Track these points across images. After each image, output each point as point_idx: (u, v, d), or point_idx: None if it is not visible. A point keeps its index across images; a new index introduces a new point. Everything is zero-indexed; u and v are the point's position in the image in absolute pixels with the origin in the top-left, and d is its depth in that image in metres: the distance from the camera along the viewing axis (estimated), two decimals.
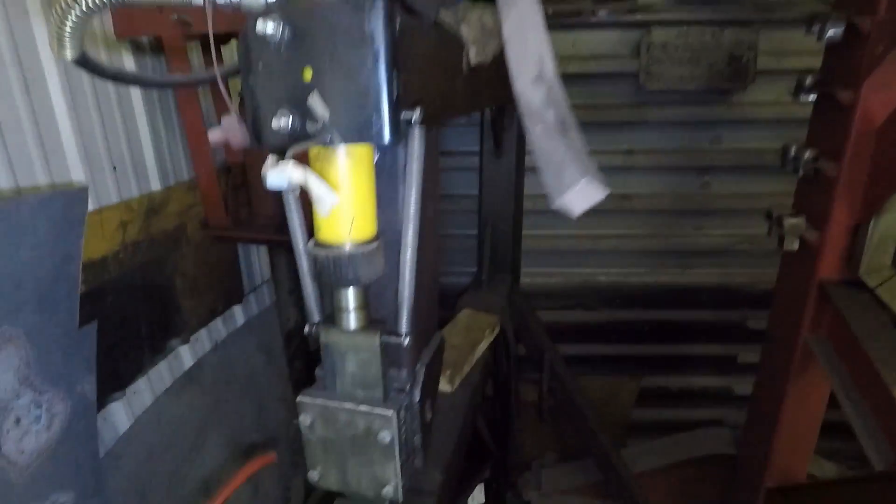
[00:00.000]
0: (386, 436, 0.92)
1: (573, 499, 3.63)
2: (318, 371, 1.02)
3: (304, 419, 0.96)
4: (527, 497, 3.57)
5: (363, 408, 0.93)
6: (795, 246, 2.40)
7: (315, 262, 0.85)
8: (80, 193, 1.58)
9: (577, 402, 2.95)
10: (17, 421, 1.52)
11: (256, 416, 3.06)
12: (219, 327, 2.73)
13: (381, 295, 0.96)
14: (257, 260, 3.09)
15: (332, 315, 0.94)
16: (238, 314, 2.88)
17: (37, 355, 1.55)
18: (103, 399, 2.03)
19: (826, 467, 3.47)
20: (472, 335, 1.96)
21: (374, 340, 0.91)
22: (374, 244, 0.86)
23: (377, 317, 0.96)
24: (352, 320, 0.91)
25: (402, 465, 0.97)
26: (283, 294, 2.54)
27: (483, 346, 1.94)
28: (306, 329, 0.96)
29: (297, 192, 0.90)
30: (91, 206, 1.92)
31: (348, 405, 0.94)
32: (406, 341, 0.91)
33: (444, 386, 1.70)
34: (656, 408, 3.89)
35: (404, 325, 0.92)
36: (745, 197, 3.36)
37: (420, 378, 1.02)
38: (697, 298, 3.61)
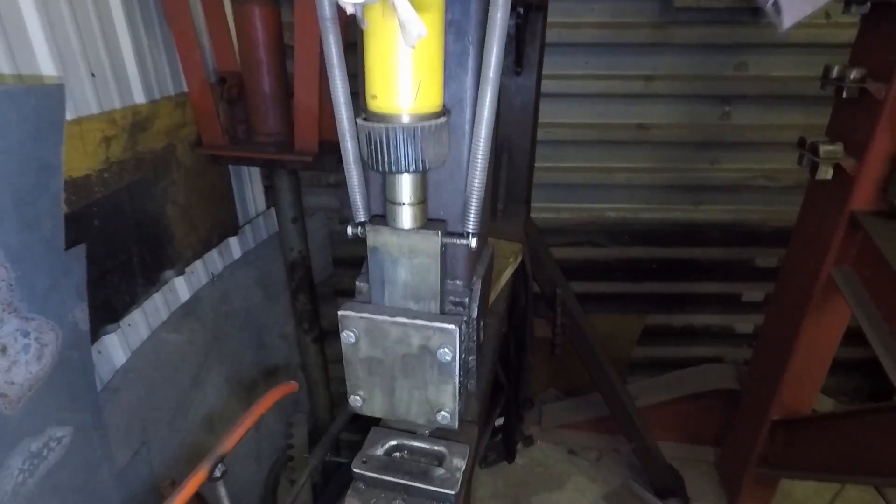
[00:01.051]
0: (446, 354, 0.79)
1: (572, 433, 3.67)
2: (359, 282, 0.88)
3: (347, 337, 0.83)
4: (528, 432, 3.60)
5: (420, 322, 0.79)
6: (829, 174, 2.28)
7: (367, 139, 0.68)
8: (56, 91, 1.36)
9: (588, 337, 2.89)
10: (3, 350, 1.37)
11: (257, 352, 2.95)
12: (214, 259, 2.56)
13: (438, 190, 0.81)
14: (250, 190, 2.88)
15: (381, 214, 0.78)
16: (234, 246, 2.70)
17: (19, 277, 1.37)
18: (97, 330, 1.88)
19: (824, 402, 3.53)
20: (498, 262, 1.83)
21: (435, 242, 0.76)
22: (443, 118, 0.69)
23: (433, 216, 0.81)
24: (408, 217, 0.76)
25: (458, 389, 0.84)
26: (285, 223, 2.36)
27: (507, 275, 1.81)
28: (349, 231, 0.81)
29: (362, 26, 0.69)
30: (69, 116, 1.70)
31: (402, 319, 0.80)
32: (474, 243, 0.77)
33: None
34: (658, 345, 3.88)
35: (472, 222, 0.77)
36: (765, 129, 3.21)
37: (477, 291, 0.88)
38: (708, 236, 3.52)
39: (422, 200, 0.76)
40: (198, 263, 2.47)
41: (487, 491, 3.29)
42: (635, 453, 3.24)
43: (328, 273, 3.44)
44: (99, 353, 1.85)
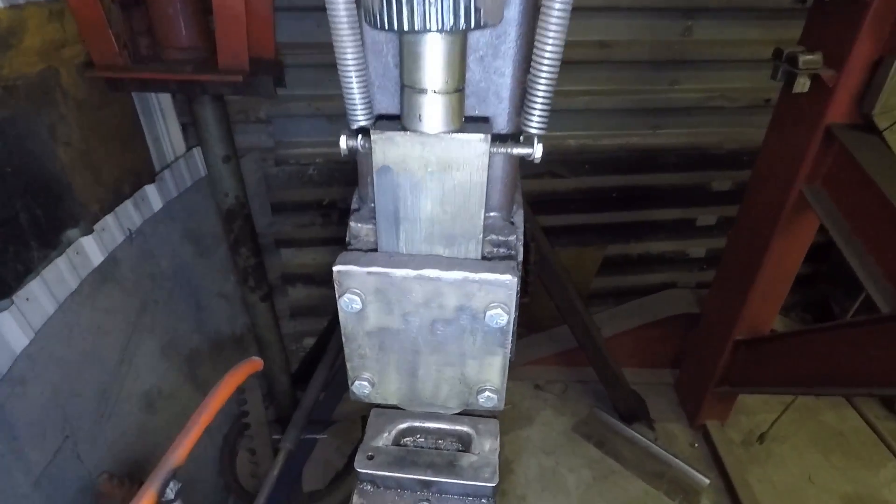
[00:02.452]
0: (500, 316, 0.55)
1: (537, 369, 3.64)
2: (354, 222, 0.61)
3: (350, 302, 0.56)
4: None
5: (460, 274, 0.54)
6: (807, 87, 2.17)
7: None
8: None
9: (558, 273, 2.77)
10: None
11: (195, 317, 2.59)
12: (129, 213, 2.14)
13: (476, 71, 0.53)
14: (164, 126, 2.41)
15: (390, 114, 0.51)
16: (153, 196, 2.27)
17: None
18: None
19: (779, 321, 3.68)
20: None
21: (482, 150, 0.50)
22: None
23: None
24: (440, 112, 0.48)
25: (506, 361, 0.62)
26: (214, 164, 1.97)
27: None
28: (343, 145, 0.52)
29: None
30: None
31: (432, 272, 0.54)
32: (539, 151, 0.51)
33: None
34: (615, 275, 3.87)
35: (537, 117, 0.51)
36: (727, 45, 3.07)
37: (521, 226, 0.64)
38: (665, 161, 3.44)
39: (460, 87, 0.49)
40: (109, 219, 2.04)
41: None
42: (602, 382, 3.25)
43: (267, 221, 3.07)
44: None
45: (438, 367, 0.62)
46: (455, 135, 0.50)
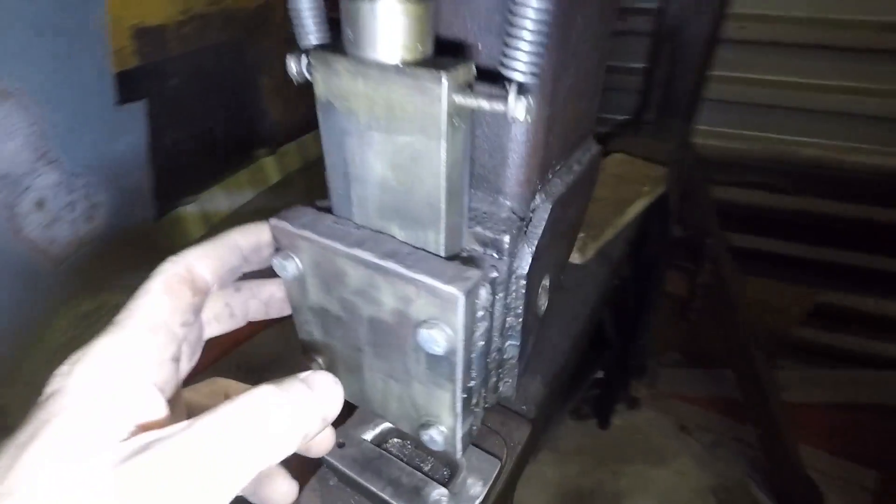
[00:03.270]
0: (436, 341, 0.39)
1: (688, 407, 3.11)
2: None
3: (279, 265, 0.46)
4: (636, 393, 3.12)
5: (394, 266, 0.39)
6: None
7: None
8: None
9: (735, 304, 2.26)
10: (40, 204, 1.27)
11: None
12: (308, 146, 2.35)
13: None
14: None
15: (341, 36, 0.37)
16: None
17: (55, 126, 1.23)
18: (171, 201, 1.78)
19: None
20: (624, 189, 1.32)
21: (436, 94, 0.34)
22: None
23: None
24: (386, 30, 0.33)
25: (467, 398, 0.45)
26: None
27: (638, 208, 1.30)
28: (290, 65, 0.41)
29: None
30: None
31: (363, 254, 0.40)
32: (521, 111, 0.33)
33: (573, 254, 1.14)
34: (830, 331, 3.04)
35: (520, 58, 0.33)
36: None
37: (541, 223, 0.45)
38: None
39: (425, 18, 0.33)
40: (293, 146, 2.28)
41: (571, 444, 2.96)
42: (763, 452, 2.63)
43: None
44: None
45: (384, 377, 0.48)
46: (402, 69, 0.34)
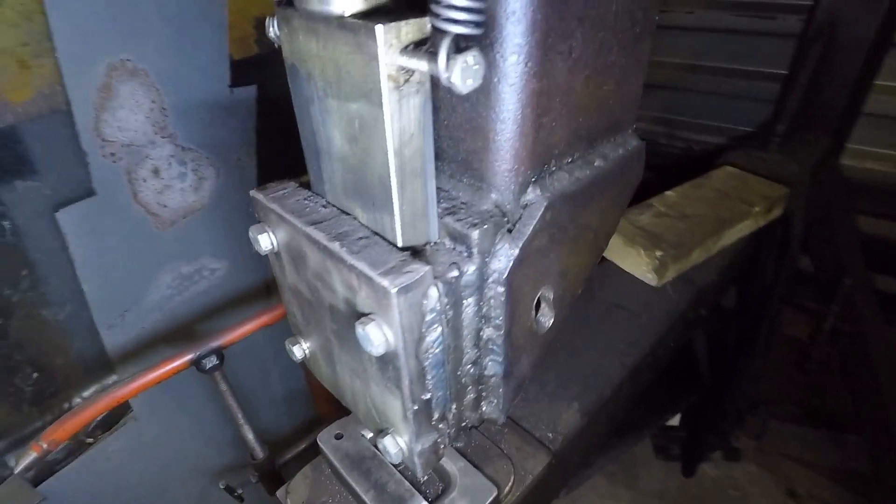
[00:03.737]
0: (372, 338, 0.34)
1: (804, 472, 2.67)
2: None
3: (253, 239, 0.44)
4: (735, 443, 2.75)
5: (338, 249, 0.35)
6: None
7: None
8: None
9: (876, 361, 1.88)
10: (156, 171, 1.42)
11: None
12: None
13: None
14: None
15: None
16: None
17: (174, 103, 1.36)
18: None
19: None
20: (727, 207, 1.13)
21: (370, 47, 0.29)
22: None
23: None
24: None
25: (423, 411, 0.40)
26: None
27: (741, 231, 1.11)
28: (269, 27, 0.39)
29: None
30: None
31: (316, 233, 0.37)
32: (455, 73, 0.27)
33: (646, 274, 1.00)
34: None
35: (446, 7, 0.27)
36: None
37: (531, 221, 0.38)
38: None
39: None
40: None
41: (653, 484, 2.69)
42: None
43: None
44: None
45: (350, 371, 0.45)
46: (343, 22, 0.30)
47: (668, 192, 1.20)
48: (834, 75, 1.69)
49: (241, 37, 1.51)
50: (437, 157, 0.38)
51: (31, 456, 0.72)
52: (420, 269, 0.32)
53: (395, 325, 0.33)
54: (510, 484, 0.63)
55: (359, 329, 0.34)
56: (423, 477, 0.46)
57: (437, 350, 0.37)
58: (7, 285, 1.29)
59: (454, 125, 0.38)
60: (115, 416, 1.54)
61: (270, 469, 0.99)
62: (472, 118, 0.36)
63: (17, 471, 0.72)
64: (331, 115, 0.35)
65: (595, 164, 0.43)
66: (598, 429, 0.83)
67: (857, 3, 1.65)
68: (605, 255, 1.13)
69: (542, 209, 0.38)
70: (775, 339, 1.80)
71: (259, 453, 0.97)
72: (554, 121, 0.36)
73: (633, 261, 1.03)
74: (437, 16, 0.26)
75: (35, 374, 1.38)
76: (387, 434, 0.42)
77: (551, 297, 0.45)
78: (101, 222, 1.33)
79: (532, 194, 0.39)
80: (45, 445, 0.72)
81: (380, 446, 0.43)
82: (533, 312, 0.44)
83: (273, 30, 0.38)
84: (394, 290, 0.31)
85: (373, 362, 0.39)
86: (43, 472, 1.39)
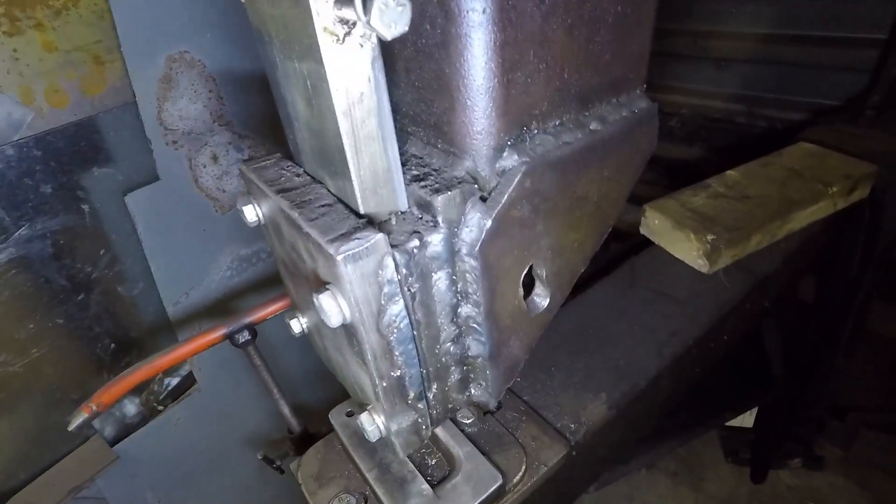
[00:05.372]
0: (329, 306, 0.33)
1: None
2: None
3: (244, 212, 0.45)
4: (819, 451, 2.51)
5: (298, 217, 0.35)
6: None
7: None
8: None
9: None
10: (214, 157, 1.49)
11: None
12: None
13: None
14: None
15: None
16: None
17: (228, 94, 1.43)
18: None
19: None
20: (798, 187, 1.01)
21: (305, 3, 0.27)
22: None
23: None
24: None
25: (395, 388, 0.38)
26: None
27: (814, 213, 0.98)
28: None
29: None
30: None
31: (282, 201, 0.37)
32: (374, 17, 0.24)
33: (696, 259, 0.92)
34: None
35: None
36: None
37: (507, 188, 0.35)
38: None
39: None
40: None
41: (721, 489, 2.52)
42: None
43: None
44: None
45: (333, 346, 0.44)
46: None
47: (730, 172, 1.10)
48: None
49: None
50: (412, 121, 0.36)
51: (82, 416, 0.79)
52: (371, 237, 0.31)
53: (347, 295, 0.32)
54: (521, 473, 0.60)
55: (314, 299, 0.33)
56: (403, 456, 0.45)
57: (400, 325, 0.35)
58: (88, 263, 1.41)
59: (424, 86, 0.36)
60: (183, 388, 1.66)
61: (307, 442, 1.02)
62: (438, 76, 0.33)
63: (70, 428, 0.80)
64: (289, 78, 0.34)
65: (591, 127, 0.39)
66: (630, 423, 0.77)
67: None
68: (653, 239, 1.05)
69: (520, 175, 0.35)
70: (861, 338, 1.61)
71: (296, 427, 1.01)
72: (529, 77, 0.33)
73: (683, 245, 0.95)
74: None
75: (112, 346, 1.51)
76: (365, 410, 0.41)
77: (544, 274, 0.42)
78: (165, 206, 1.43)
79: (509, 160, 0.35)
80: (94, 407, 0.79)
81: (357, 421, 0.42)
82: (520, 290, 0.41)
83: None
84: (339, 258, 0.30)
85: (343, 336, 0.38)
86: (120, 433, 1.53)
